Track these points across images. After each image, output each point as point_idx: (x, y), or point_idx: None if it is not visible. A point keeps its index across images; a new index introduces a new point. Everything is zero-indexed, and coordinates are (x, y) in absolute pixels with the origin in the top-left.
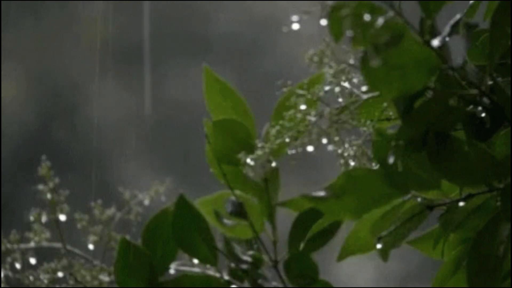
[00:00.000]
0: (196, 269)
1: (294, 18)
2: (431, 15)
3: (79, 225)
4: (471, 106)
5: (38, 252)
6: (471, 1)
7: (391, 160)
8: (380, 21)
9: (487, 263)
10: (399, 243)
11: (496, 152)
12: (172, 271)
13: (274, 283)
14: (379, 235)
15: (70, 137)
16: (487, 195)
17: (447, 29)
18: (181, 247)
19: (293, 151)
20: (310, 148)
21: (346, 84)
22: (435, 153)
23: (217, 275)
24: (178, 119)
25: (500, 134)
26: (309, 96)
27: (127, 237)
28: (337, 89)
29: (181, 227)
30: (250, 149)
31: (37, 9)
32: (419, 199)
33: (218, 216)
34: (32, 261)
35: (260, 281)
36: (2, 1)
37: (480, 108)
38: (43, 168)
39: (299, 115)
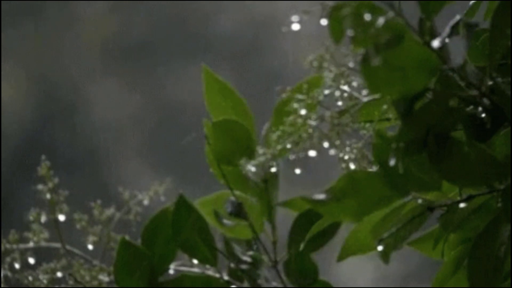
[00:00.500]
0: (196, 269)
1: (294, 18)
2: (431, 16)
3: (78, 225)
4: (471, 107)
5: (37, 252)
6: (471, 2)
7: (391, 162)
8: (381, 21)
9: (488, 264)
10: (400, 245)
11: (497, 152)
12: (171, 271)
13: (274, 283)
14: (380, 237)
15: (70, 137)
16: (487, 196)
17: (447, 30)
18: (181, 247)
19: (295, 157)
20: (312, 153)
21: (345, 88)
22: (435, 154)
23: (217, 275)
24: (178, 119)
25: (500, 135)
26: (308, 101)
27: (127, 237)
28: (337, 92)
29: (181, 227)
30: (250, 150)
31: (37, 9)
32: (419, 201)
33: (218, 216)
34: (31, 261)
35: (260, 281)
36: (2, 1)
37: (480, 108)
38: (43, 168)
39: (299, 120)
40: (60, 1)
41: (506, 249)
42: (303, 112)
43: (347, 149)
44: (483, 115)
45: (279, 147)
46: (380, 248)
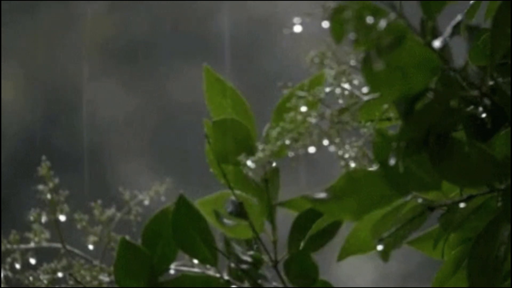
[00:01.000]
0: (196, 269)
1: (296, 20)
2: (432, 16)
3: (79, 226)
4: (472, 107)
5: (38, 252)
6: (471, 2)
7: (392, 161)
8: (383, 23)
9: (488, 264)
10: (399, 244)
11: (497, 152)
12: (172, 271)
13: (274, 283)
14: (380, 237)
15: (70, 137)
16: (487, 196)
17: (448, 30)
18: (181, 247)
19: (294, 154)
20: (311, 150)
21: (346, 86)
22: (436, 154)
23: (217, 275)
24: (178, 119)
25: (501, 135)
26: (309, 98)
27: (127, 237)
28: (337, 90)
29: (181, 227)
30: (250, 149)
31: (37, 8)
32: (419, 200)
33: (218, 216)
34: (32, 261)
35: (260, 281)
36: (2, 1)
37: (481, 109)
38: (43, 168)
39: (299, 117)
40: (60, 1)
41: (506, 249)
42: (303, 109)
43: (347, 147)
44: (484, 115)
45: (278, 143)
46: (380, 247)
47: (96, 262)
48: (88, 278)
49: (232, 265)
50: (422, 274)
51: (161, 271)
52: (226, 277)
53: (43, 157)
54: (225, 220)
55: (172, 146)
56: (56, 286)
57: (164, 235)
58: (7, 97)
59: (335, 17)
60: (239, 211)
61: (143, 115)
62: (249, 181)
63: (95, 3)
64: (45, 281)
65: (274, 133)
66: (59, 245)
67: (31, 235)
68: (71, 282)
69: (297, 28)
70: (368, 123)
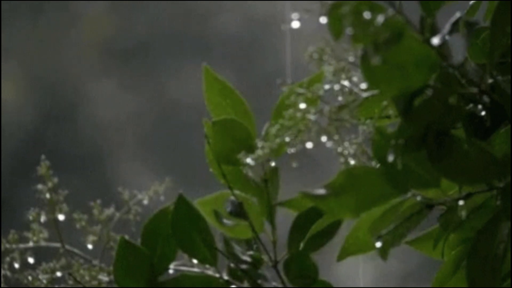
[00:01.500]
0: (196, 269)
1: (294, 16)
2: (432, 13)
3: (78, 225)
4: (471, 105)
5: (37, 252)
6: (471, 1)
7: (390, 158)
8: (380, 19)
9: (487, 263)
10: (398, 242)
11: (496, 150)
12: (171, 271)
13: (274, 283)
14: (378, 234)
15: (70, 137)
16: (487, 194)
17: (447, 27)
18: (181, 247)
19: (293, 150)
20: (309, 145)
21: (345, 82)
22: (434, 152)
23: (217, 275)
24: (178, 119)
25: (500, 133)
26: (309, 95)
27: (126, 237)
28: (336, 87)
29: (181, 227)
30: (250, 149)
31: (37, 9)
32: (418, 198)
33: (218, 216)
34: (31, 261)
35: (259, 281)
36: (2, 1)
37: (480, 106)
38: (42, 167)
39: (299, 114)
40: (60, 1)
41: (505, 248)
42: (302, 106)
43: (346, 144)
44: (483, 113)
45: (277, 140)
46: (378, 244)
47: (95, 262)
48: (87, 278)
49: (232, 265)
50: (422, 274)
51: (160, 271)
52: (225, 277)
53: (43, 157)
54: (225, 220)
55: (172, 146)
56: (55, 286)
57: (164, 235)
58: (7, 97)
59: (333, 13)
60: (239, 211)
61: (143, 115)
62: (249, 181)
63: (95, 3)
64: (44, 281)
65: (273, 130)
66: (58, 244)
67: (30, 235)
68: (70, 282)
69: (296, 24)
70: (367, 120)
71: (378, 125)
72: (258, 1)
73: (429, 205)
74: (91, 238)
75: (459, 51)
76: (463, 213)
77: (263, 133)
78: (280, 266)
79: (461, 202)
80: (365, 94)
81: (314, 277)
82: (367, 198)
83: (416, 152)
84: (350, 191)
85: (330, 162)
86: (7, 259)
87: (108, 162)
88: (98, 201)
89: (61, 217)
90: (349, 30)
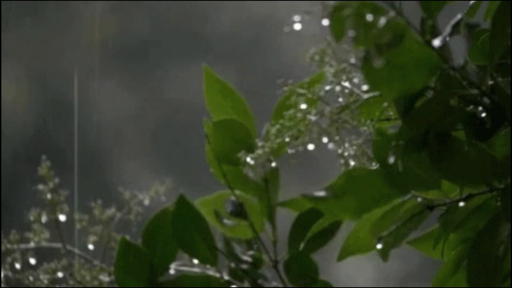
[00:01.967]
0: (196, 269)
1: (296, 18)
2: (432, 15)
3: (79, 225)
4: (471, 106)
5: (38, 252)
6: (471, 1)
7: (391, 160)
8: (382, 21)
9: (487, 263)
10: (399, 243)
11: (496, 152)
12: (172, 271)
13: (274, 283)
14: (379, 235)
15: (70, 137)
16: (487, 195)
17: (448, 29)
18: (181, 247)
19: (293, 151)
20: (310, 147)
21: (346, 84)
22: (435, 153)
23: (217, 275)
24: (178, 119)
25: (501, 134)
26: (309, 95)
27: (127, 237)
28: (337, 88)
29: (181, 227)
30: (250, 149)
31: (37, 9)
32: (419, 199)
33: (218, 216)
34: (32, 261)
35: (260, 281)
36: (2, 1)
37: (480, 108)
38: (43, 168)
39: (299, 115)
40: (60, 1)
41: (506, 248)
42: (303, 106)
43: (347, 145)
44: (483, 114)
45: (278, 140)
46: (379, 246)
47: (96, 262)
48: (88, 278)
49: (232, 265)
50: (422, 274)
51: (161, 271)
52: (226, 277)
53: (43, 157)
54: (225, 220)
55: (172, 146)
56: (56, 286)
57: (164, 235)
58: (7, 97)
59: (334, 15)
60: (239, 211)
61: (143, 115)
62: (249, 181)
63: (95, 3)
64: (45, 281)
65: (273, 130)
66: (59, 245)
67: (31, 235)
68: (71, 282)
69: (297, 26)
70: (368, 122)
71: (378, 126)
72: (258, 1)
73: (429, 207)
74: (92, 238)
75: (459, 53)
76: (463, 215)
77: (263, 133)
78: (281, 266)
79: (461, 204)
80: (366, 96)
81: (314, 277)
82: (367, 200)
83: (417, 154)
84: (350, 192)
85: (330, 162)
86: (8, 259)
87: (109, 162)
88: (99, 202)
89: (62, 217)
90: (350, 32)
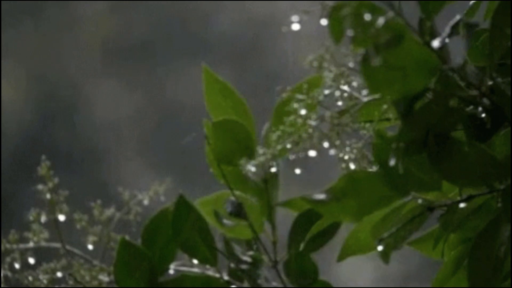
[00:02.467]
0: (196, 270)
1: (294, 18)
2: (431, 16)
3: (78, 225)
4: (471, 107)
5: (37, 252)
6: (471, 2)
7: (392, 162)
8: (381, 21)
9: (488, 264)
10: (400, 245)
11: (497, 152)
12: (171, 271)
13: (274, 283)
14: (380, 237)
15: (70, 137)
16: (487, 196)
17: (447, 30)
18: (181, 247)
19: (294, 156)
20: (312, 153)
21: (345, 88)
22: (435, 155)
23: (217, 275)
24: (178, 119)
25: (500, 135)
26: (308, 101)
27: (127, 237)
28: (337, 92)
29: (181, 227)
30: (250, 150)
31: (37, 9)
32: (419, 201)
33: (218, 216)
34: (31, 261)
35: (260, 281)
36: (2, 1)
37: (480, 109)
38: (43, 168)
39: (299, 120)
40: (60, 1)
41: (506, 249)
42: (303, 112)
43: (347, 149)
44: (483, 115)
45: (279, 147)
46: (380, 248)
47: (95, 262)
48: (87, 278)
49: (232, 265)
50: (422, 274)
51: (161, 271)
52: (226, 277)
53: (43, 157)
54: (225, 220)
55: (172, 146)
56: (56, 286)
57: (164, 235)
58: (7, 97)
59: (333, 15)
60: (239, 211)
61: (143, 115)
62: (249, 181)
63: (95, 3)
64: (45, 281)
65: (274, 136)
66: (58, 245)
67: (30, 235)
68: (70, 282)
69: (296, 26)
70: (368, 125)
71: (378, 129)
72: (258, 1)
73: (430, 208)
74: (92, 238)
75: (458, 54)
76: (464, 215)
77: (263, 133)
78: (280, 266)
79: (462, 205)
80: (365, 99)
81: (314, 277)
82: (368, 202)
83: (417, 155)
84: (351, 195)
85: (329, 162)
86: (8, 259)
87: (108, 162)
88: (99, 202)
89: (61, 217)
90: (349, 32)
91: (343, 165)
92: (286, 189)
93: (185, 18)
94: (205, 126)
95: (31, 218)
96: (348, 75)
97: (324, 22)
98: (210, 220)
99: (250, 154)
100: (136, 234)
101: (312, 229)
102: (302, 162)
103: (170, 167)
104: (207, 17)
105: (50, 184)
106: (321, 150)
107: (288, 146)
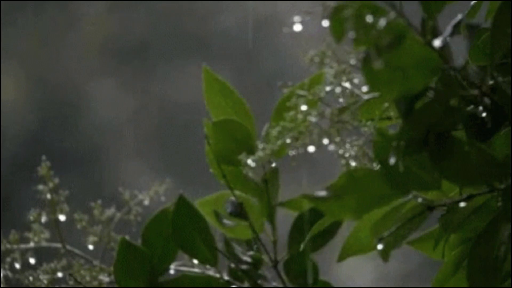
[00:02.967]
0: (196, 270)
1: (296, 18)
2: (433, 16)
3: (78, 225)
4: (472, 106)
5: (38, 252)
6: (472, 2)
7: (392, 160)
8: (382, 22)
9: (488, 264)
10: (399, 244)
11: (497, 152)
12: (172, 272)
13: (274, 283)
14: (380, 236)
15: (70, 137)
16: (487, 196)
17: (448, 29)
18: (181, 247)
19: (294, 152)
20: (311, 149)
21: (347, 85)
22: (436, 154)
23: (217, 275)
24: (178, 119)
25: (501, 134)
26: (310, 97)
27: (127, 237)
28: (338, 89)
29: (181, 227)
30: (250, 150)
31: (37, 9)
32: (419, 200)
33: (218, 216)
34: (32, 261)
35: (260, 281)
36: (2, 1)
37: (481, 108)
38: (43, 168)
39: (300, 116)
40: (60, 1)
41: (506, 249)
42: (303, 108)
43: (348, 146)
44: (484, 114)
45: (279, 142)
46: (380, 246)
47: (96, 262)
48: (88, 278)
49: (232, 265)
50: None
51: (161, 271)
52: (226, 277)
53: (43, 157)
54: (225, 220)
55: (172, 146)
56: (56, 286)
57: (164, 235)
58: (7, 97)
59: (335, 15)
60: (239, 212)
61: (143, 115)
62: (249, 181)
63: (95, 3)
64: (45, 281)
65: (274, 132)
66: (59, 245)
67: (30, 235)
68: (71, 282)
69: (297, 27)
70: (369, 122)
71: (379, 126)
72: (258, 1)
73: (430, 207)
74: (92, 238)
75: (460, 53)
76: (464, 215)
77: (263, 133)
78: (281, 266)
79: (462, 204)
80: (366, 96)
81: (314, 277)
82: (368, 200)
83: (417, 154)
84: (351, 193)
85: (330, 162)
86: (8, 259)
87: (108, 162)
88: (99, 202)
89: (62, 217)
90: (351, 33)
91: (343, 161)
92: (286, 188)
93: (185, 18)
94: (205, 126)
95: (31, 218)
96: (349, 72)
97: (325, 23)
98: (210, 220)
99: (251, 154)
100: (136, 234)
101: (312, 229)
102: (302, 162)
103: (170, 167)
104: (207, 17)
105: (51, 184)
106: (322, 151)
107: (288, 141)
